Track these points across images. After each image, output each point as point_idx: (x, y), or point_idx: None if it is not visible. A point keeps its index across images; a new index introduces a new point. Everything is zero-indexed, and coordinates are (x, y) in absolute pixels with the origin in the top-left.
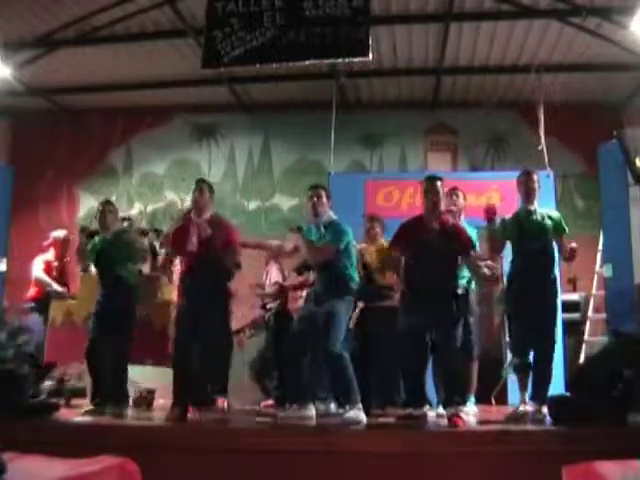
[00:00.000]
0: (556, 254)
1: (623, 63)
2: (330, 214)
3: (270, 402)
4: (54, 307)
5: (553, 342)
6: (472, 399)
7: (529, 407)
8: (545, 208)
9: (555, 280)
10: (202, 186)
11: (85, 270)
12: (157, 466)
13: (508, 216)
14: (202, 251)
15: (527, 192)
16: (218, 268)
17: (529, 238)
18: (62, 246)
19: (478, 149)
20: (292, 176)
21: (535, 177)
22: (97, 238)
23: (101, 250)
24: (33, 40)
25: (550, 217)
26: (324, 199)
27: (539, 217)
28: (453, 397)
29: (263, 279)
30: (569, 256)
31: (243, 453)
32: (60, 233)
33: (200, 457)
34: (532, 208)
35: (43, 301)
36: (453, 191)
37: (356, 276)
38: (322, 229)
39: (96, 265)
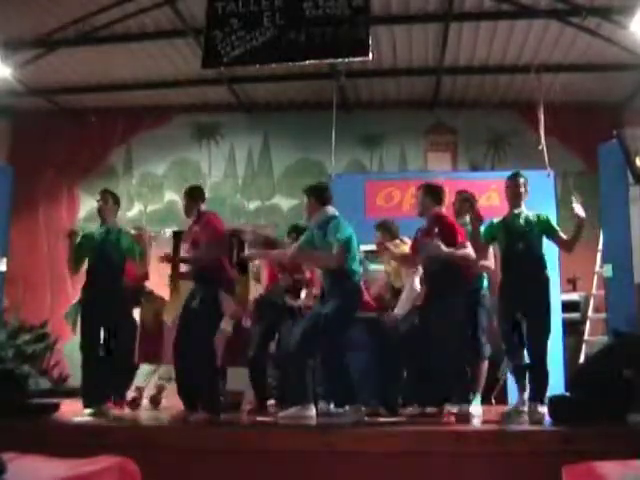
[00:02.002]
0: (552, 255)
1: (623, 63)
2: (325, 213)
3: (270, 402)
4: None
5: (545, 343)
6: (477, 399)
7: (526, 407)
8: (538, 209)
9: (546, 281)
10: (184, 193)
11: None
12: (157, 466)
13: (496, 220)
14: (191, 252)
15: (513, 196)
16: (205, 269)
17: (515, 241)
18: None
19: (478, 149)
20: (292, 176)
21: (521, 181)
22: (96, 229)
23: (104, 241)
24: (33, 40)
25: (538, 219)
26: (312, 200)
27: (524, 220)
28: (438, 395)
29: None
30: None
31: (243, 453)
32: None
33: (200, 457)
34: (517, 211)
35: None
36: (460, 194)
37: (358, 268)
38: (316, 231)
39: (93, 257)
